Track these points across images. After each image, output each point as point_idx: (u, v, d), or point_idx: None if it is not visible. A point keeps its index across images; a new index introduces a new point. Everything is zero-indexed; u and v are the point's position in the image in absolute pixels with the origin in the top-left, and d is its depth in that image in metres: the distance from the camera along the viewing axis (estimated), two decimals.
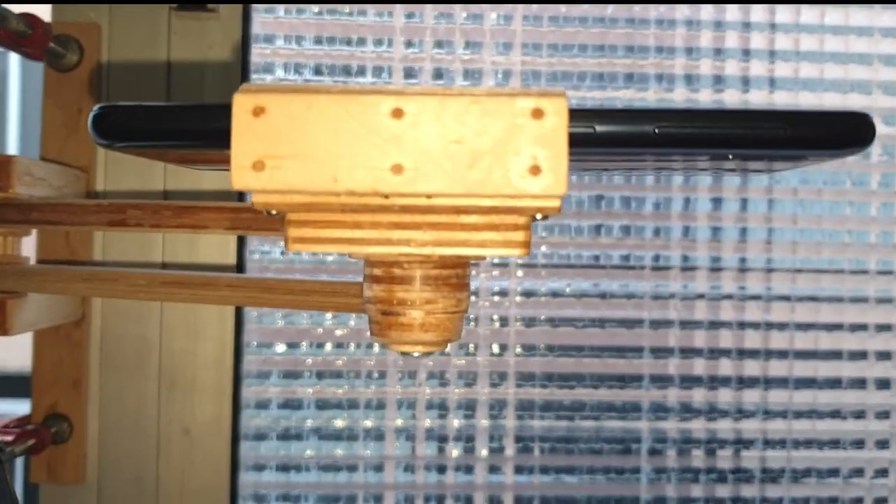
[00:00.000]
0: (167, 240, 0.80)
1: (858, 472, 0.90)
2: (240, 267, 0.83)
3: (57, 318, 0.76)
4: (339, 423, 0.87)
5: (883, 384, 0.90)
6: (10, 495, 0.70)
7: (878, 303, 0.90)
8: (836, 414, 0.89)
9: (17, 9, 0.71)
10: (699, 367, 0.88)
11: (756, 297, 0.89)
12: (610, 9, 0.88)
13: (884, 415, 0.90)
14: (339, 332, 0.86)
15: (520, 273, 0.87)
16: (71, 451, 0.80)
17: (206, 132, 0.33)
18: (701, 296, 0.88)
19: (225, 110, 0.32)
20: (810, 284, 0.89)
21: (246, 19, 0.86)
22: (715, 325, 0.89)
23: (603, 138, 0.33)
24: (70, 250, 0.78)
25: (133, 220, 0.61)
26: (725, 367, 0.88)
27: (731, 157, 0.35)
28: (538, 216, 0.35)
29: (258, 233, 0.58)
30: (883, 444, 0.90)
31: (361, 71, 0.87)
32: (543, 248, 0.88)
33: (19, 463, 1.07)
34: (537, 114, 0.31)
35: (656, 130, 0.33)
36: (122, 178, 0.82)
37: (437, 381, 0.86)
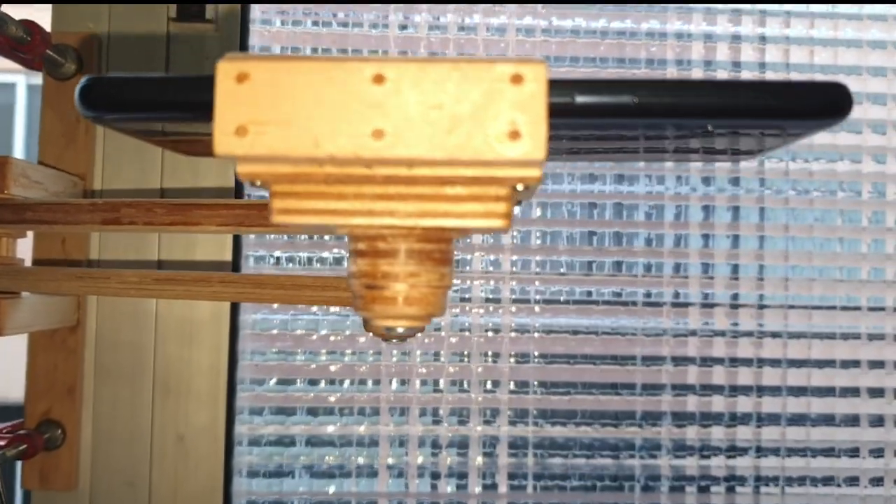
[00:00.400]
0: (163, 239, 0.81)
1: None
2: (235, 265, 0.83)
3: (52, 321, 0.76)
4: (330, 460, 0.87)
5: (876, 420, 0.90)
6: (2, 497, 0.70)
7: (870, 339, 0.90)
8: (829, 452, 0.89)
9: (16, 14, 0.72)
10: (692, 403, 0.88)
11: (748, 334, 0.89)
12: (601, 21, 0.90)
13: (877, 452, 0.89)
14: (333, 368, 0.86)
15: (513, 309, 0.87)
16: (63, 457, 0.80)
17: (193, 103, 0.34)
18: (693, 332, 0.88)
19: (212, 81, 0.33)
20: (802, 321, 0.89)
21: (244, 30, 0.87)
22: (707, 361, 0.88)
23: (583, 109, 0.34)
24: (65, 251, 0.78)
25: (126, 218, 0.62)
26: (718, 403, 0.88)
27: (710, 128, 0.35)
28: (519, 186, 0.35)
29: (251, 229, 0.58)
30: (877, 481, 0.89)
31: None
32: (537, 284, 0.88)
33: (11, 468, 1.06)
34: (517, 79, 0.32)
35: (636, 101, 0.34)
36: (118, 181, 0.82)
37: (431, 417, 0.86)
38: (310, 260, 0.85)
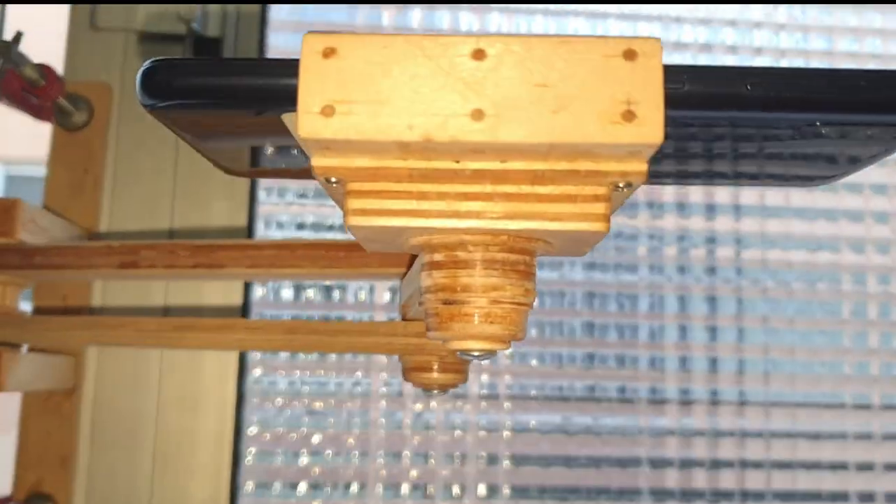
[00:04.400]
0: (170, 283, 0.76)
1: None
2: (245, 309, 0.78)
3: (50, 381, 0.71)
4: None
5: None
6: None
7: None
8: None
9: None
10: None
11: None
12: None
13: None
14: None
15: (507, 405, 0.83)
16: None
17: (272, 88, 0.30)
18: (701, 433, 0.83)
19: (293, 65, 0.30)
20: (812, 420, 0.85)
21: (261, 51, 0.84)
22: (717, 463, 0.83)
23: (693, 97, 0.31)
24: (65, 298, 0.73)
25: (146, 261, 0.58)
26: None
27: (819, 124, 0.32)
28: (621, 184, 0.32)
29: (281, 271, 0.54)
30: None
31: None
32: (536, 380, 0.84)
33: None
34: (630, 55, 0.29)
35: (748, 87, 0.31)
36: (126, 222, 0.79)
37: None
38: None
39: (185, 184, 0.81)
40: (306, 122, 0.29)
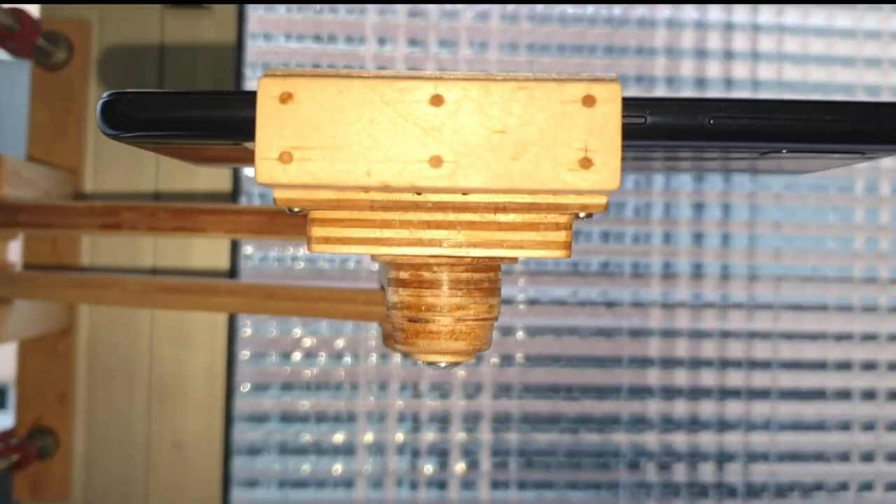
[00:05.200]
0: (158, 244, 0.77)
1: (843, 487, 0.88)
2: (233, 272, 0.79)
3: (44, 326, 0.73)
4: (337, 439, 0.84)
5: (868, 395, 0.88)
6: None
7: (864, 311, 0.88)
8: (820, 426, 0.87)
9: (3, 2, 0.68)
10: (680, 377, 0.86)
11: (738, 306, 0.87)
12: (590, 8, 0.86)
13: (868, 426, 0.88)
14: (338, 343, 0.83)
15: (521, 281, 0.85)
16: (56, 466, 0.77)
17: (228, 121, 0.30)
18: (682, 304, 0.86)
19: (250, 97, 0.30)
20: (794, 292, 0.87)
21: (241, 16, 0.83)
22: (697, 333, 0.86)
23: (654, 129, 0.31)
24: (57, 254, 0.74)
25: (128, 223, 0.58)
26: (707, 378, 0.86)
27: (785, 151, 0.32)
28: (581, 214, 0.32)
29: (260, 236, 0.55)
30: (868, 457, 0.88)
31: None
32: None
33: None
34: (588, 101, 0.29)
35: (710, 122, 0.31)
36: (111, 181, 0.79)
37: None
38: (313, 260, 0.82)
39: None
40: (264, 168, 0.29)
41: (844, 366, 0.88)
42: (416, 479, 0.84)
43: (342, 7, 0.84)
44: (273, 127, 0.29)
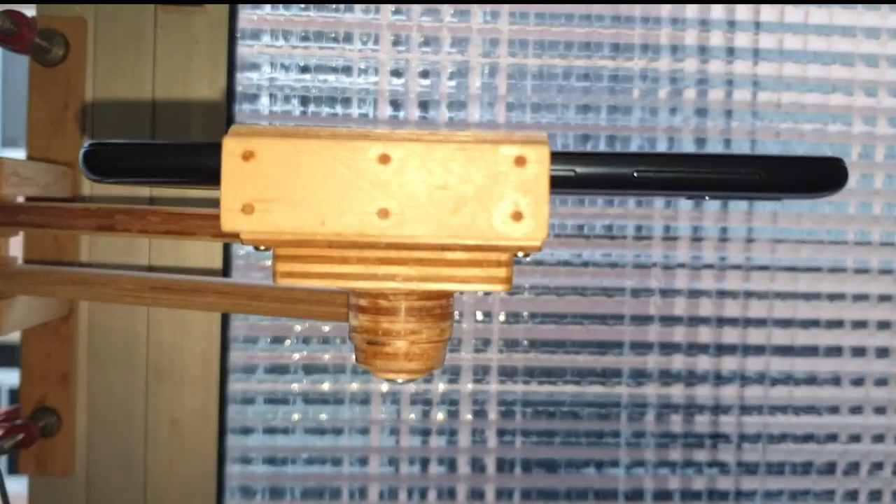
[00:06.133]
0: (154, 242, 0.81)
1: (832, 438, 0.92)
2: (226, 270, 0.83)
3: (45, 315, 0.77)
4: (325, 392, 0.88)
5: (858, 352, 0.93)
6: (3, 492, 0.71)
7: (856, 272, 0.92)
8: (811, 380, 0.92)
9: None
10: (679, 334, 0.90)
11: (736, 267, 0.90)
12: (596, 7, 0.89)
13: (859, 382, 0.93)
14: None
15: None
16: (60, 443, 0.81)
17: (196, 170, 0.34)
18: (682, 265, 0.90)
19: (215, 149, 0.33)
20: (790, 254, 0.91)
21: (232, 14, 0.85)
22: (694, 293, 0.90)
23: (584, 180, 0.34)
24: (58, 250, 0.78)
25: (121, 225, 0.62)
26: (704, 334, 0.90)
27: (707, 198, 0.36)
28: (520, 254, 0.36)
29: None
30: (857, 411, 0.93)
31: (347, 70, 0.87)
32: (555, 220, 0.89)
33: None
34: (520, 161, 0.32)
35: (635, 174, 0.34)
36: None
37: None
38: None
39: (164, 113, 0.83)
40: (228, 219, 0.33)
41: (836, 324, 0.92)
42: (397, 455, 0.89)
43: (328, 6, 0.87)
44: (236, 182, 0.32)
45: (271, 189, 0.33)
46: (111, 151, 0.34)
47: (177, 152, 0.34)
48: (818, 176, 0.34)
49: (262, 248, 0.36)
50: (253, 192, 0.32)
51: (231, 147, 0.32)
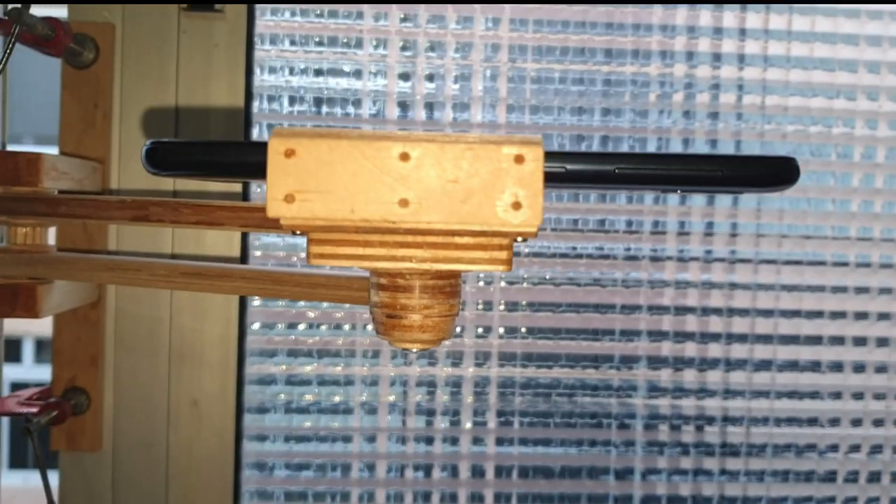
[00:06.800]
0: (177, 232, 0.87)
1: (835, 422, 0.99)
2: (243, 257, 0.89)
3: (77, 300, 0.82)
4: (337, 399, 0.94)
5: (860, 342, 0.99)
6: (41, 462, 0.77)
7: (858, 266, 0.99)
8: (815, 368, 0.98)
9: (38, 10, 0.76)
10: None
11: (720, 260, 0.97)
12: (591, 14, 0.95)
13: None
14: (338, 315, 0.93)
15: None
16: (89, 421, 0.87)
17: (245, 165, 0.40)
18: (670, 257, 0.96)
19: (262, 148, 0.39)
20: (795, 249, 0.97)
21: (251, 19, 0.91)
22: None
23: (572, 176, 0.40)
24: (88, 239, 0.84)
25: (155, 216, 0.67)
26: (691, 323, 0.96)
27: (678, 192, 0.42)
28: (519, 239, 0.42)
29: (268, 230, 0.64)
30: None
31: (358, 73, 0.93)
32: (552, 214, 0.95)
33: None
34: (519, 159, 0.38)
35: (616, 171, 0.40)
36: (134, 177, 0.88)
37: (427, 361, 0.94)
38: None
39: (186, 112, 0.89)
40: (273, 207, 0.39)
41: (839, 315, 0.99)
42: (405, 434, 0.95)
43: (342, 12, 0.92)
44: (279, 175, 0.38)
45: (309, 181, 0.38)
46: (170, 149, 0.40)
47: (227, 150, 0.40)
48: (772, 173, 0.40)
49: (298, 232, 0.42)
50: (294, 184, 0.38)
51: (275, 146, 0.38)
